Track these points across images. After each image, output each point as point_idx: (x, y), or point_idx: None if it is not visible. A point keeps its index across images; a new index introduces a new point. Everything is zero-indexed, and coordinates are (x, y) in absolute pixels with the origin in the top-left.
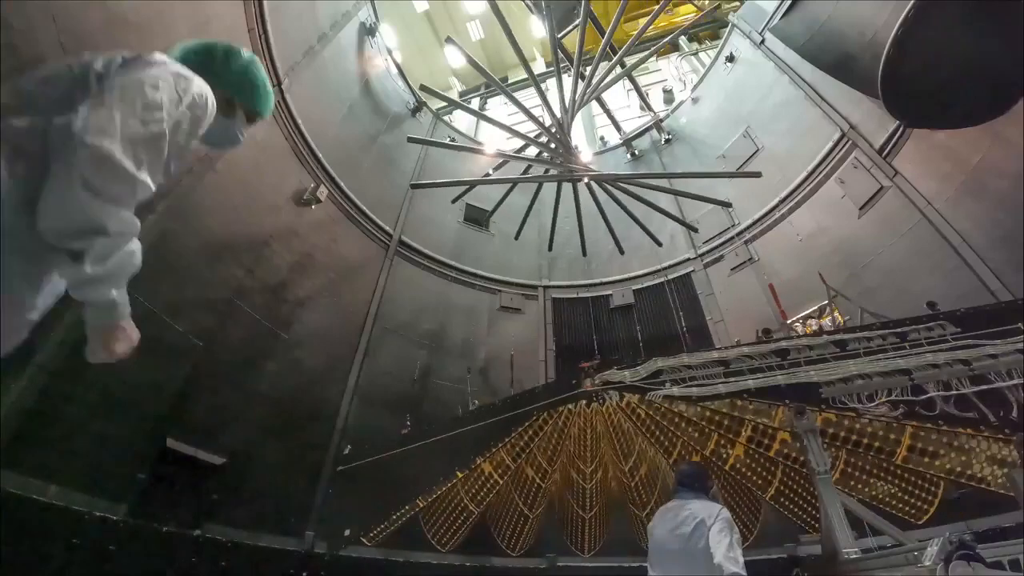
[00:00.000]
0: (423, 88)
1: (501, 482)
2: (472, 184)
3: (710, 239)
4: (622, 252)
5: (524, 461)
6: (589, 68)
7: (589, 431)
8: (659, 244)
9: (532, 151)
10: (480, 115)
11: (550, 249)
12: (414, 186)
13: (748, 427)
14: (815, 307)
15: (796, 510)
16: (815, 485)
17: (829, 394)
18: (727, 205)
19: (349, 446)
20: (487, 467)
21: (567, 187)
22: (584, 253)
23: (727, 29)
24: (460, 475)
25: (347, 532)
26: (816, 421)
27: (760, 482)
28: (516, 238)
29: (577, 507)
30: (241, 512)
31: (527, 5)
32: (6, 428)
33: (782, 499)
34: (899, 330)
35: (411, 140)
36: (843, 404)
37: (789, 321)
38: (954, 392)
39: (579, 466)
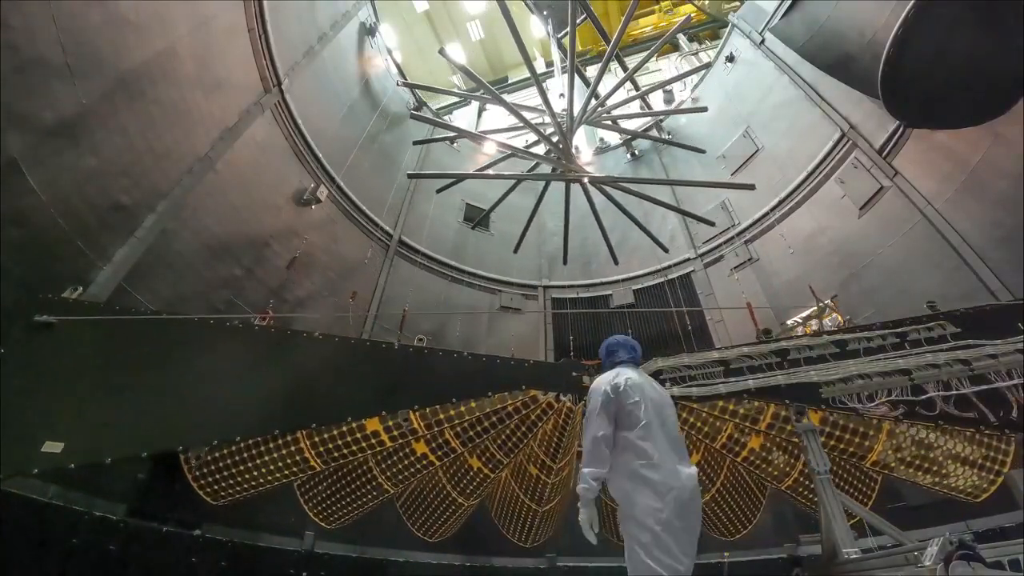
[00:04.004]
0: (440, 52)
1: (438, 463)
2: (466, 177)
3: (710, 239)
4: (616, 262)
5: (468, 450)
6: (591, 70)
7: (568, 428)
8: (665, 250)
9: (531, 148)
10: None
11: (516, 251)
12: (411, 176)
13: (724, 433)
14: (815, 308)
15: (723, 517)
16: (815, 485)
17: (829, 394)
18: (710, 224)
19: (80, 287)
20: (420, 447)
21: (559, 189)
22: (565, 261)
23: (727, 29)
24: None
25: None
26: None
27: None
28: (473, 228)
29: (530, 501)
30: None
31: (527, 5)
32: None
33: (713, 504)
34: (899, 330)
35: (413, 117)
36: (843, 404)
37: (789, 322)
38: (954, 392)
39: (544, 460)
